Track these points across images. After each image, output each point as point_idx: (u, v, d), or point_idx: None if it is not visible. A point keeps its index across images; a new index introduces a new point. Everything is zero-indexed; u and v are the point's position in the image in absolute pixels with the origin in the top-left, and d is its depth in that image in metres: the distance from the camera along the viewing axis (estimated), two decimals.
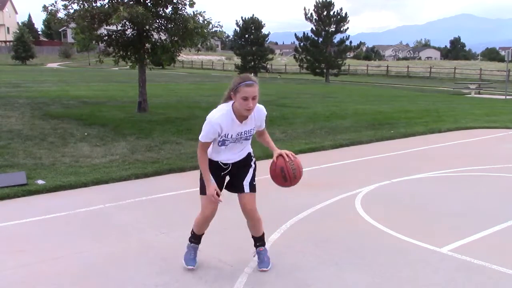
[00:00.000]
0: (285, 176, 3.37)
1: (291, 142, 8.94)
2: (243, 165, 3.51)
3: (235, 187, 3.51)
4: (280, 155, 3.41)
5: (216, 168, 3.45)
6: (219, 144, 3.35)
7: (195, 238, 3.66)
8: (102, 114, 11.98)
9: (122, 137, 8.87)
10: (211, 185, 3.35)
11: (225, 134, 3.29)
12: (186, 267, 3.56)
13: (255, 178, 3.54)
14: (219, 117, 3.24)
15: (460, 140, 9.78)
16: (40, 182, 5.79)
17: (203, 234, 3.68)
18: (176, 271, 3.55)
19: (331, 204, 5.26)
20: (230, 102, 3.28)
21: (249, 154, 3.56)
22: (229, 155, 3.44)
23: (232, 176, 3.53)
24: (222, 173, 3.50)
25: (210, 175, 3.38)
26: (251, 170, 3.52)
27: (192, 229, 3.66)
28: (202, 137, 3.29)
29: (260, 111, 3.40)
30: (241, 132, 3.34)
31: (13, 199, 5.32)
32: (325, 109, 14.76)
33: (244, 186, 3.44)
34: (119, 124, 10.31)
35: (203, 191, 3.44)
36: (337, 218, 4.80)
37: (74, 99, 15.48)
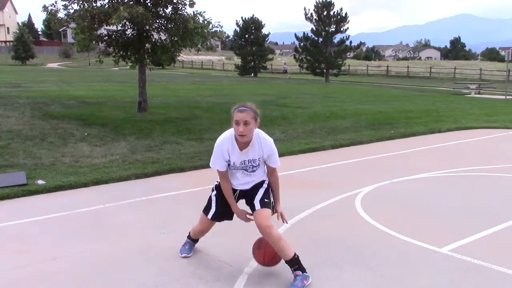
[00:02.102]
0: (259, 247, 3.43)
1: (291, 142, 8.94)
2: (253, 189, 3.53)
3: (249, 207, 3.55)
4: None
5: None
6: (230, 168, 3.47)
7: (192, 240, 3.91)
8: (102, 114, 11.98)
9: (122, 137, 8.87)
10: (237, 209, 3.56)
11: (230, 161, 3.38)
12: (180, 256, 3.77)
13: (270, 198, 3.52)
14: (221, 141, 3.37)
15: (460, 140, 9.78)
16: (40, 182, 5.79)
17: (198, 239, 3.90)
18: (176, 271, 3.55)
19: (331, 204, 5.26)
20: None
21: (261, 181, 3.55)
22: (238, 182, 3.51)
23: (246, 199, 3.57)
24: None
25: (232, 199, 3.52)
26: (261, 190, 3.51)
27: (190, 233, 3.89)
28: (211, 163, 3.44)
29: (265, 142, 3.39)
30: (245, 161, 3.38)
31: (13, 199, 5.32)
32: (325, 109, 14.77)
33: (255, 204, 3.44)
34: (119, 124, 10.30)
35: (205, 210, 3.65)
36: (337, 218, 4.80)
37: (74, 99, 15.48)
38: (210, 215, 3.59)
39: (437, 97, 22.27)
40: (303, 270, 3.34)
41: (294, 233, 4.33)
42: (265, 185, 3.53)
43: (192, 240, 3.89)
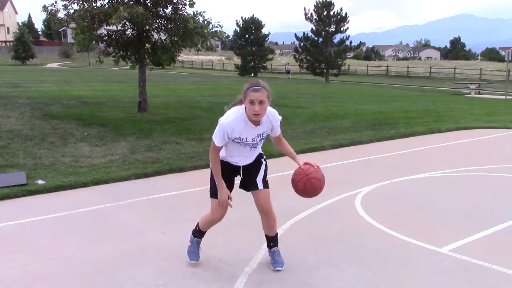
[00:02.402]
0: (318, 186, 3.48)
1: (291, 142, 8.87)
2: (254, 164, 3.53)
3: (249, 185, 3.53)
4: (307, 163, 3.47)
5: (226, 168, 3.46)
6: (234, 144, 3.39)
7: (200, 233, 3.72)
8: (102, 114, 11.98)
9: (122, 137, 8.86)
10: (224, 190, 3.40)
11: (240, 138, 3.33)
12: (190, 262, 3.63)
13: (267, 175, 3.56)
14: (233, 120, 3.28)
15: (460, 140, 9.78)
16: (40, 182, 5.79)
17: (204, 233, 3.74)
18: (176, 271, 3.55)
19: (331, 204, 5.26)
20: (243, 106, 3.32)
21: (259, 154, 3.58)
22: (241, 158, 3.47)
23: (244, 175, 3.54)
24: (232, 173, 3.53)
25: (222, 179, 3.41)
26: (262, 167, 3.55)
27: (198, 225, 3.71)
28: (217, 141, 3.31)
29: (273, 115, 3.41)
30: (256, 137, 3.38)
31: (13, 199, 5.31)
32: (325, 109, 14.77)
33: (258, 183, 3.47)
34: (119, 124, 10.30)
35: (213, 194, 3.47)
36: (337, 218, 4.80)
37: (74, 99, 15.48)
38: (223, 186, 3.44)
39: (437, 97, 22.27)
40: (277, 243, 3.67)
41: (294, 233, 4.33)
42: (263, 161, 3.58)
43: (199, 234, 3.70)
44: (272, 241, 3.63)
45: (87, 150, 7.73)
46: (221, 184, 3.39)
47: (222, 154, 3.45)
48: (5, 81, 23.55)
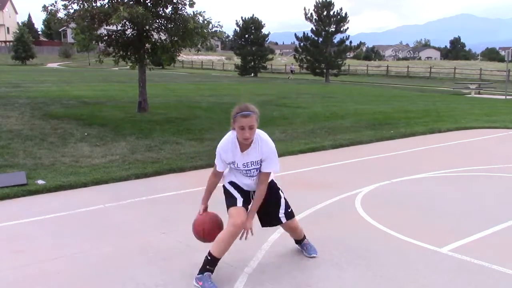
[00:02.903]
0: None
1: (291, 142, 8.94)
2: (270, 197, 3.51)
3: (270, 220, 3.60)
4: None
5: (240, 189, 3.52)
6: (232, 170, 3.48)
7: (213, 262, 3.28)
8: (102, 114, 11.98)
9: (122, 137, 8.86)
10: (202, 208, 3.49)
11: (232, 163, 3.37)
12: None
13: (289, 205, 3.63)
14: (223, 144, 3.34)
15: (460, 140, 9.78)
16: (40, 182, 5.79)
17: (219, 260, 3.32)
18: (176, 271, 3.55)
19: (331, 204, 5.26)
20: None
21: (271, 185, 3.55)
22: (247, 184, 3.48)
23: (263, 208, 3.49)
24: (247, 195, 3.51)
25: (207, 199, 3.52)
26: (282, 201, 3.58)
27: (210, 253, 3.27)
28: (217, 165, 3.42)
29: (266, 144, 3.33)
30: (247, 163, 3.35)
31: (13, 199, 5.31)
32: (325, 109, 14.77)
33: (281, 218, 3.56)
34: (119, 124, 10.31)
35: (232, 202, 3.41)
36: (337, 218, 4.79)
37: (74, 99, 15.48)
38: (239, 202, 3.37)
39: (437, 97, 22.27)
40: (305, 237, 3.90)
41: None
42: (281, 194, 3.63)
43: (212, 263, 3.27)
44: (301, 240, 3.86)
45: (87, 150, 7.73)
46: (203, 201, 3.51)
47: (233, 178, 3.52)
48: (5, 81, 23.55)
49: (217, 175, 3.49)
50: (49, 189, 5.61)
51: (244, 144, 3.31)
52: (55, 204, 5.18)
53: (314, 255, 3.76)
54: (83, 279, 3.42)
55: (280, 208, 3.56)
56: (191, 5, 11.58)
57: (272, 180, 3.57)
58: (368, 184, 6.10)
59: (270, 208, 3.55)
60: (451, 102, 19.36)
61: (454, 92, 27.69)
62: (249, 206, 3.43)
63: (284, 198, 3.62)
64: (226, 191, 3.51)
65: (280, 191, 3.63)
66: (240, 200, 3.39)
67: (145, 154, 7.54)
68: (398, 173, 6.74)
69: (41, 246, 4.00)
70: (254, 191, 3.48)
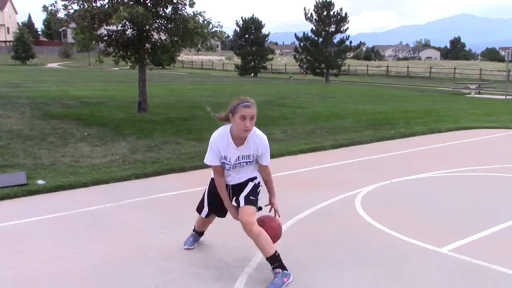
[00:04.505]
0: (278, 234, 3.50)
1: (291, 142, 8.94)
2: (244, 183, 3.52)
3: (236, 203, 3.55)
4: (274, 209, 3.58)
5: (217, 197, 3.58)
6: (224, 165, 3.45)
7: (197, 233, 3.98)
8: (102, 114, 11.99)
9: (122, 137, 8.87)
10: (232, 207, 3.52)
11: (224, 157, 3.37)
12: (183, 247, 3.89)
13: (257, 195, 3.49)
14: (216, 138, 3.35)
15: (460, 140, 9.78)
16: (40, 182, 5.79)
17: (203, 232, 3.97)
18: (176, 271, 3.55)
19: (331, 204, 5.26)
20: (229, 125, 3.33)
21: (253, 177, 3.54)
22: (230, 178, 3.51)
23: (235, 194, 3.55)
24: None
25: (226, 195, 3.51)
26: (250, 184, 3.50)
27: (194, 224, 3.96)
28: (206, 159, 3.42)
29: (261, 140, 3.38)
30: (239, 157, 3.37)
31: (13, 199, 5.31)
32: (325, 109, 14.77)
33: (240, 200, 3.45)
34: (119, 124, 10.31)
35: (199, 210, 3.77)
36: (337, 218, 4.79)
37: (74, 99, 15.48)
38: (203, 214, 3.74)
39: (437, 97, 22.27)
40: (283, 267, 3.32)
41: (294, 233, 4.33)
42: (254, 181, 3.52)
43: (197, 233, 3.97)
44: (270, 262, 3.34)
45: (87, 150, 7.73)
46: (227, 201, 3.53)
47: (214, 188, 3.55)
48: (5, 81, 23.56)
49: (220, 173, 3.45)
50: (49, 189, 5.60)
51: (239, 139, 3.31)
52: (55, 204, 5.17)
53: None
54: (83, 279, 3.42)
55: (244, 191, 3.46)
56: (191, 5, 11.58)
57: (256, 177, 3.55)
58: (368, 184, 6.10)
59: (241, 187, 3.51)
60: (451, 102, 19.36)
61: (454, 92, 27.67)
62: (239, 197, 3.46)
63: (255, 186, 3.50)
64: (202, 195, 3.74)
65: (256, 180, 3.52)
66: (205, 212, 3.72)
67: (145, 154, 7.54)
68: (398, 173, 6.74)
69: (41, 246, 4.00)
70: (232, 185, 3.52)
